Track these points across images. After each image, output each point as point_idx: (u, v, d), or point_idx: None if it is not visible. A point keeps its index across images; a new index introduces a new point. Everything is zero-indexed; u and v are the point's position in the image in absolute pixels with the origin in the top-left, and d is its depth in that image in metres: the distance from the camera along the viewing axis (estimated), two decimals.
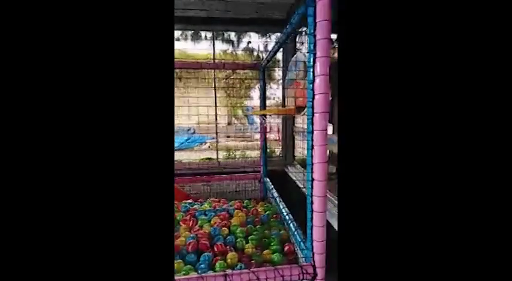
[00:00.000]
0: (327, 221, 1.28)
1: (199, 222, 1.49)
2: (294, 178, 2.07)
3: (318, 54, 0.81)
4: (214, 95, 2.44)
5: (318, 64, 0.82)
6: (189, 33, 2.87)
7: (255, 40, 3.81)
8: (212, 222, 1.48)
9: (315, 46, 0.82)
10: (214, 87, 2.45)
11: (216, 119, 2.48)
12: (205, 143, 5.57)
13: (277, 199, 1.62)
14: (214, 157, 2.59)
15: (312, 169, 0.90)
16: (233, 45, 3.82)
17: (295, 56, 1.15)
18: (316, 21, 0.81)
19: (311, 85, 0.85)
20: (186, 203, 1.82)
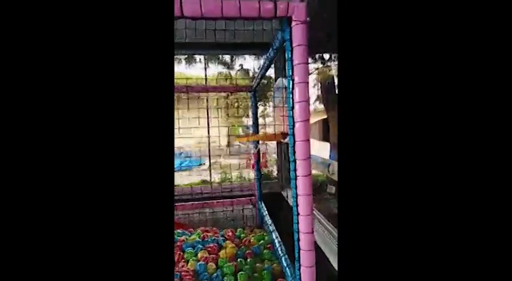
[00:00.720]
0: (326, 258, 1.16)
1: (186, 256, 1.38)
2: (290, 203, 1.97)
3: (296, 79, 0.77)
4: (207, 116, 2.42)
5: (296, 90, 0.77)
6: (183, 56, 2.92)
7: (249, 61, 3.88)
8: (199, 256, 1.37)
9: (292, 71, 0.78)
10: (207, 109, 2.43)
11: (209, 141, 2.44)
12: (204, 164, 5.50)
13: (271, 228, 1.52)
14: (211, 179, 2.52)
15: (296, 202, 0.82)
16: (228, 67, 3.88)
17: (278, 80, 1.12)
18: (293, 46, 0.77)
19: (291, 112, 0.80)
20: (175, 233, 1.72)
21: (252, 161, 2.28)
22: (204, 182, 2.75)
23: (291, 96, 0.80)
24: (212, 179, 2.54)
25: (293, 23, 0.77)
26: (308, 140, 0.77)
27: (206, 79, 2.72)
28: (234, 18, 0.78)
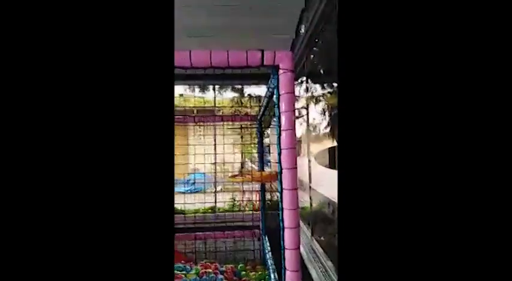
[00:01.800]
0: None
1: None
2: None
3: (283, 127, 0.76)
4: (214, 144, 2.45)
5: (283, 135, 0.76)
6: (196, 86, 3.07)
7: (260, 88, 3.97)
8: None
9: (279, 118, 0.77)
10: (215, 138, 2.46)
11: (215, 168, 2.44)
12: (204, 191, 5.43)
13: (271, 267, 1.44)
14: (218, 205, 2.49)
15: (283, 237, 0.76)
16: (240, 93, 4.00)
17: (273, 120, 1.12)
18: (280, 93, 0.77)
19: (279, 157, 0.78)
20: (174, 267, 1.68)
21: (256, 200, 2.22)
22: (211, 209, 2.72)
23: (279, 141, 0.79)
24: (219, 206, 2.50)
25: (280, 71, 0.78)
26: (295, 178, 0.74)
27: (215, 107, 2.79)
28: (222, 68, 0.80)
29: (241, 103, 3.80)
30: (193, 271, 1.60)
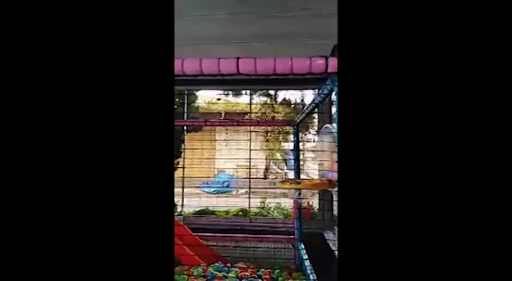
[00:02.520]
0: None
1: None
2: (332, 247, 1.83)
3: None
4: (249, 149, 2.47)
5: None
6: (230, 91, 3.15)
7: (291, 93, 3.96)
8: None
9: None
10: (250, 141, 2.48)
11: (250, 173, 2.47)
12: (238, 190, 5.52)
13: (311, 276, 1.41)
14: (247, 207, 2.50)
15: None
16: (271, 98, 4.02)
17: (323, 126, 1.10)
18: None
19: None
20: (213, 267, 1.72)
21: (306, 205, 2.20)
22: (242, 211, 2.75)
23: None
24: (249, 209, 2.52)
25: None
26: None
27: (250, 112, 2.83)
28: (286, 74, 0.82)
29: (273, 107, 3.82)
30: (233, 273, 1.62)
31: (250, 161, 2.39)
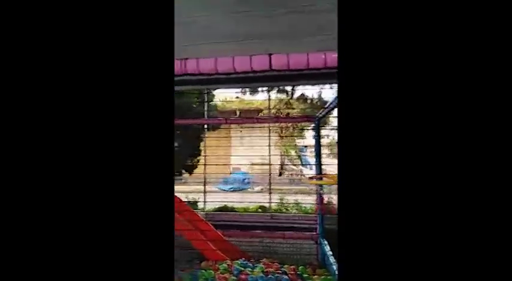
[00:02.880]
0: None
1: None
2: None
3: None
4: (268, 145, 2.47)
5: None
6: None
7: (309, 88, 3.90)
8: None
9: None
10: (269, 142, 2.47)
11: (270, 170, 2.47)
12: (254, 187, 5.53)
13: (336, 272, 1.40)
14: (266, 203, 2.51)
15: None
16: (287, 94, 3.99)
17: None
18: None
19: None
20: (238, 263, 1.74)
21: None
22: (261, 208, 2.76)
23: None
24: (267, 206, 2.53)
25: None
26: None
27: (269, 108, 2.82)
28: (319, 68, 0.81)
29: (290, 104, 3.80)
30: (258, 269, 1.64)
31: (270, 158, 2.38)
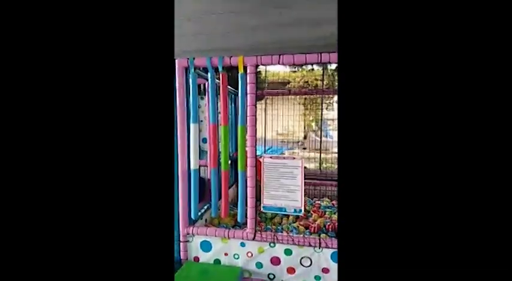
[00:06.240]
0: None
1: (327, 213, 1.92)
2: None
3: None
4: (321, 114, 2.90)
5: None
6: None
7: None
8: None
9: None
10: (322, 111, 2.88)
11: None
12: (284, 153, 5.91)
13: None
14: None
15: None
16: (323, 68, 4.21)
17: None
18: None
19: None
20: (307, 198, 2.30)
21: None
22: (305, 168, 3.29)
23: None
24: (320, 161, 3.06)
25: None
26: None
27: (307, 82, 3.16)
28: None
29: (323, 76, 4.09)
30: (325, 201, 2.17)
31: (321, 123, 2.82)
